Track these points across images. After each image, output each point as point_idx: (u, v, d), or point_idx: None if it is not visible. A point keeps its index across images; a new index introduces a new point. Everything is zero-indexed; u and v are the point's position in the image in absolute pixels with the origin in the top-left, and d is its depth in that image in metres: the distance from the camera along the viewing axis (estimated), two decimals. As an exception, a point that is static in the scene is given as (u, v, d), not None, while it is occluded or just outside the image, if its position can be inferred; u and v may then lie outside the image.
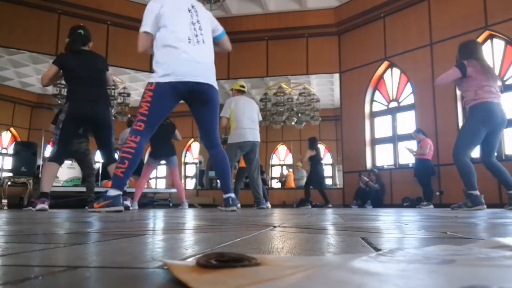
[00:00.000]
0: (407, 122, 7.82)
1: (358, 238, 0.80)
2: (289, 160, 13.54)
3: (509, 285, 0.26)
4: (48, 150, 8.59)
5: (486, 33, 6.53)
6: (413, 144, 7.23)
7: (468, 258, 0.36)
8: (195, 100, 2.93)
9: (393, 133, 8.06)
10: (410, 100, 7.69)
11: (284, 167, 13.06)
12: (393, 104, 8.08)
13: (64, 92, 8.49)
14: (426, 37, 7.31)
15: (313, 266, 0.34)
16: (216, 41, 3.16)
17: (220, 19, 3.63)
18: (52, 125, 4.13)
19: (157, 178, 12.96)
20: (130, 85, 10.49)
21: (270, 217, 2.05)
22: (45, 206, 3.27)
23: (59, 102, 8.70)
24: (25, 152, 6.00)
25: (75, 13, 7.80)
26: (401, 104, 7.96)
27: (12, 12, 7.42)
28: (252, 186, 5.10)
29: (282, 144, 13.68)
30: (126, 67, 8.71)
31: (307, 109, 10.73)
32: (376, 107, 8.39)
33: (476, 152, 3.93)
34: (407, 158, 7.68)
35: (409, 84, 7.68)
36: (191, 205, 7.04)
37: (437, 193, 6.80)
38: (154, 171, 6.75)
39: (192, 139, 12.50)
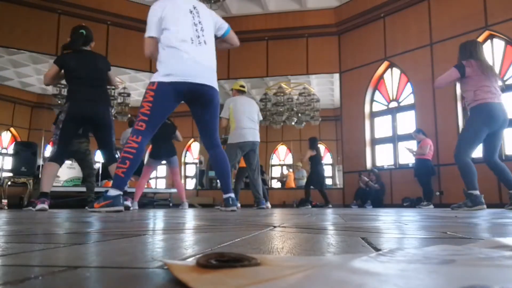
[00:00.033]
0: (407, 122, 7.82)
1: (358, 238, 0.80)
2: (289, 160, 13.53)
3: (509, 285, 0.26)
4: (48, 150, 8.60)
5: (486, 33, 6.53)
6: (413, 144, 7.23)
7: (468, 258, 0.36)
8: (195, 101, 2.94)
9: (393, 133, 8.06)
10: (410, 100, 7.69)
11: (284, 167, 13.06)
12: (393, 104, 8.08)
13: (64, 92, 8.48)
14: (426, 37, 7.31)
15: (313, 266, 0.34)
16: (223, 38, 3.17)
17: (220, 19, 3.63)
18: (54, 125, 4.13)
19: (157, 178, 12.96)
20: (130, 85, 10.49)
21: (270, 217, 2.05)
22: (45, 206, 3.28)
23: (59, 102, 8.70)
24: (25, 152, 6.00)
25: (75, 13, 7.80)
26: (401, 104, 7.96)
27: (12, 12, 7.42)
28: (252, 186, 5.10)
29: (282, 144, 13.67)
30: (126, 67, 8.70)
31: (307, 109, 10.73)
32: (376, 107, 8.39)
33: (478, 152, 3.93)
34: (407, 158, 7.69)
35: (409, 84, 7.68)
36: (191, 205, 7.04)
37: (437, 193, 6.80)
38: (154, 171, 6.75)
39: (192, 139, 12.49)
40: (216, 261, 0.34)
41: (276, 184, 12.58)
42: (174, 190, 6.81)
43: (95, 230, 1.06)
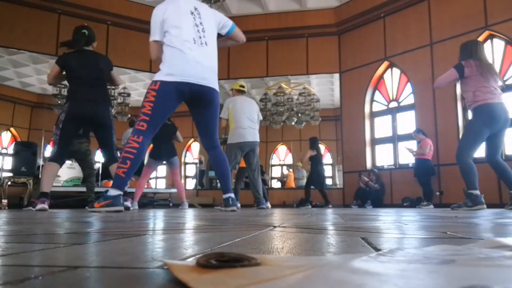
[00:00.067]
0: (407, 122, 7.82)
1: (358, 238, 0.80)
2: (289, 160, 13.54)
3: (509, 285, 0.26)
4: (48, 150, 8.60)
5: (486, 33, 6.53)
6: (413, 144, 7.23)
7: (468, 258, 0.36)
8: (196, 101, 2.95)
9: (393, 133, 8.06)
10: (410, 100, 7.69)
11: (285, 167, 13.06)
12: (393, 104, 8.08)
13: (64, 92, 8.49)
14: (426, 37, 7.31)
15: (313, 266, 0.34)
16: (228, 36, 3.18)
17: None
18: (55, 126, 4.14)
19: (157, 178, 12.96)
20: (130, 85, 10.48)
21: (270, 217, 2.05)
22: (45, 206, 3.28)
23: (59, 102, 8.70)
24: (25, 152, 6.00)
25: (75, 13, 7.80)
26: (401, 104, 7.96)
27: (12, 12, 7.42)
28: (252, 186, 5.10)
29: (282, 144, 13.68)
30: (126, 67, 8.70)
31: (307, 109, 10.73)
32: (376, 107, 8.39)
33: (480, 152, 3.93)
34: (407, 158, 7.69)
35: (409, 84, 7.68)
36: (191, 205, 7.04)
37: (437, 193, 6.80)
38: (154, 171, 6.75)
39: (192, 139, 12.50)
40: (216, 261, 0.34)
41: (276, 184, 12.58)
42: (174, 190, 6.81)
43: (95, 230, 1.06)
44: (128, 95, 10.22)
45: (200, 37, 2.90)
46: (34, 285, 0.33)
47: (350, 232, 0.98)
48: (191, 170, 13.20)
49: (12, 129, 11.44)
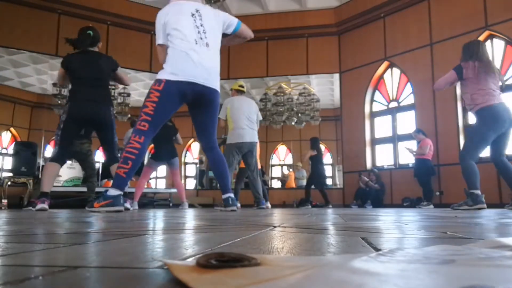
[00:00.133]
0: (407, 122, 7.82)
1: (358, 238, 0.80)
2: (289, 160, 13.54)
3: (509, 285, 0.26)
4: (48, 150, 8.60)
5: (486, 33, 6.53)
6: (413, 144, 7.23)
7: (468, 258, 0.36)
8: (196, 102, 2.96)
9: (393, 133, 8.06)
10: (410, 100, 7.69)
11: (285, 167, 13.06)
12: (393, 104, 8.09)
13: (63, 92, 8.49)
14: (426, 37, 7.31)
15: (313, 266, 0.34)
16: (235, 34, 3.18)
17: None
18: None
19: (157, 178, 12.96)
20: (130, 85, 10.46)
21: (270, 217, 2.05)
22: (45, 206, 3.28)
23: (59, 102, 8.69)
24: (25, 152, 6.00)
25: (75, 13, 7.80)
26: (401, 104, 7.96)
27: (12, 12, 7.42)
28: (252, 186, 5.10)
29: (282, 144, 13.67)
30: (126, 67, 8.67)
31: (307, 109, 10.73)
32: (376, 107, 8.39)
33: (485, 152, 3.93)
34: (407, 158, 7.69)
35: (409, 84, 7.68)
36: (191, 205, 7.04)
37: (437, 193, 6.80)
38: (154, 171, 6.75)
39: (192, 139, 12.50)
40: (216, 261, 0.34)
41: (276, 184, 12.58)
42: (174, 190, 6.81)
43: (95, 230, 1.06)
44: (128, 95, 10.22)
45: (201, 38, 2.91)
46: (34, 285, 0.33)
47: (350, 232, 0.98)
48: (191, 170, 13.20)
49: (12, 129, 11.43)
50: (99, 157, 8.04)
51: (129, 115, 9.66)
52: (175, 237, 0.85)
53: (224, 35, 3.16)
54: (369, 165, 8.12)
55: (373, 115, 8.41)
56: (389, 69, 8.13)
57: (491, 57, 6.36)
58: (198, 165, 12.07)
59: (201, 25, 2.95)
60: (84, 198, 4.86)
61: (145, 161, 5.98)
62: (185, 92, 2.82)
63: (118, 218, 1.84)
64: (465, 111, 6.61)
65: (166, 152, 5.66)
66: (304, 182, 9.70)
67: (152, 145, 5.80)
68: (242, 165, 5.45)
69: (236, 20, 3.19)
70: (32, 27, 7.57)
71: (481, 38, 6.43)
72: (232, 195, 3.27)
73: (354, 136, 8.42)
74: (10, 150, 7.97)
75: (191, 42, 2.85)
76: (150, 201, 7.36)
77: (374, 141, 8.35)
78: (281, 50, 9.12)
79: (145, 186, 6.61)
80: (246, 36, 3.26)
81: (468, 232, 0.97)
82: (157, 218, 1.90)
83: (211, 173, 9.99)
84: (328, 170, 11.78)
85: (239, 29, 3.18)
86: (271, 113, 10.70)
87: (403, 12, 7.73)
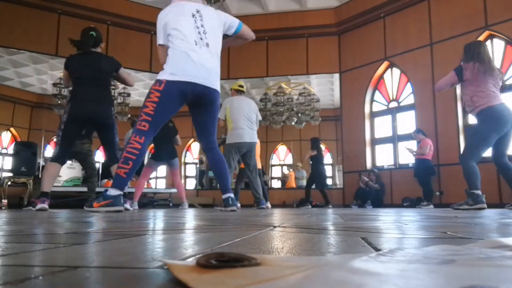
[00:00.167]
0: (407, 122, 7.82)
1: (358, 238, 0.80)
2: (289, 160, 13.53)
3: (509, 285, 0.26)
4: (48, 150, 8.61)
5: (486, 33, 6.53)
6: (413, 144, 7.23)
7: (468, 258, 0.36)
8: (197, 102, 2.96)
9: (393, 133, 8.06)
10: (410, 100, 7.69)
11: (285, 167, 13.07)
12: (393, 104, 8.09)
13: (63, 92, 8.50)
14: (426, 37, 7.31)
15: (313, 266, 0.34)
16: (237, 35, 3.18)
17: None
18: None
19: (157, 178, 12.96)
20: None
21: (270, 217, 2.05)
22: (45, 205, 3.28)
23: (59, 102, 8.70)
24: (25, 152, 6.00)
25: (75, 13, 7.81)
26: (401, 104, 7.96)
27: (12, 12, 7.42)
28: (252, 186, 5.10)
29: (282, 144, 13.67)
30: (126, 67, 8.61)
31: (307, 109, 10.73)
32: (376, 107, 8.39)
33: (487, 152, 3.92)
34: (407, 158, 7.69)
35: (409, 84, 7.68)
36: (191, 205, 7.04)
37: (437, 193, 6.80)
38: (154, 171, 6.75)
39: (192, 139, 12.50)
40: (216, 261, 0.34)
41: (276, 184, 12.58)
42: (174, 190, 6.81)
43: (95, 230, 1.06)
44: (128, 95, 10.22)
45: (202, 39, 2.91)
46: (34, 285, 0.33)
47: (350, 232, 0.98)
48: (191, 170, 13.20)
49: (12, 129, 11.43)
50: (99, 157, 8.04)
51: (129, 115, 9.67)
52: (175, 237, 0.85)
53: (226, 36, 3.16)
54: (369, 165, 8.12)
55: (373, 115, 8.41)
56: (389, 69, 8.13)
57: (491, 57, 6.39)
58: (198, 165, 12.07)
59: (202, 25, 2.95)
60: (84, 198, 4.86)
61: (145, 161, 5.98)
62: (185, 92, 2.82)
63: (118, 218, 1.84)
64: (465, 111, 6.60)
65: (166, 152, 5.66)
66: (304, 182, 9.71)
67: (152, 145, 5.80)
68: (242, 165, 5.45)
69: (237, 21, 3.18)
70: (32, 27, 7.57)
71: (481, 38, 6.43)
72: (232, 195, 3.27)
73: (354, 136, 8.42)
74: (10, 150, 7.97)
75: (191, 42, 2.85)
76: (150, 201, 7.36)
77: (374, 141, 8.35)
78: (281, 50, 9.12)
79: (145, 186, 6.61)
80: (248, 37, 3.27)
81: (468, 232, 0.97)
82: (157, 218, 1.90)
83: (211, 173, 9.99)
84: (328, 170, 11.78)
85: (240, 30, 3.18)
86: (271, 113, 10.70)
87: (403, 12, 7.73)
